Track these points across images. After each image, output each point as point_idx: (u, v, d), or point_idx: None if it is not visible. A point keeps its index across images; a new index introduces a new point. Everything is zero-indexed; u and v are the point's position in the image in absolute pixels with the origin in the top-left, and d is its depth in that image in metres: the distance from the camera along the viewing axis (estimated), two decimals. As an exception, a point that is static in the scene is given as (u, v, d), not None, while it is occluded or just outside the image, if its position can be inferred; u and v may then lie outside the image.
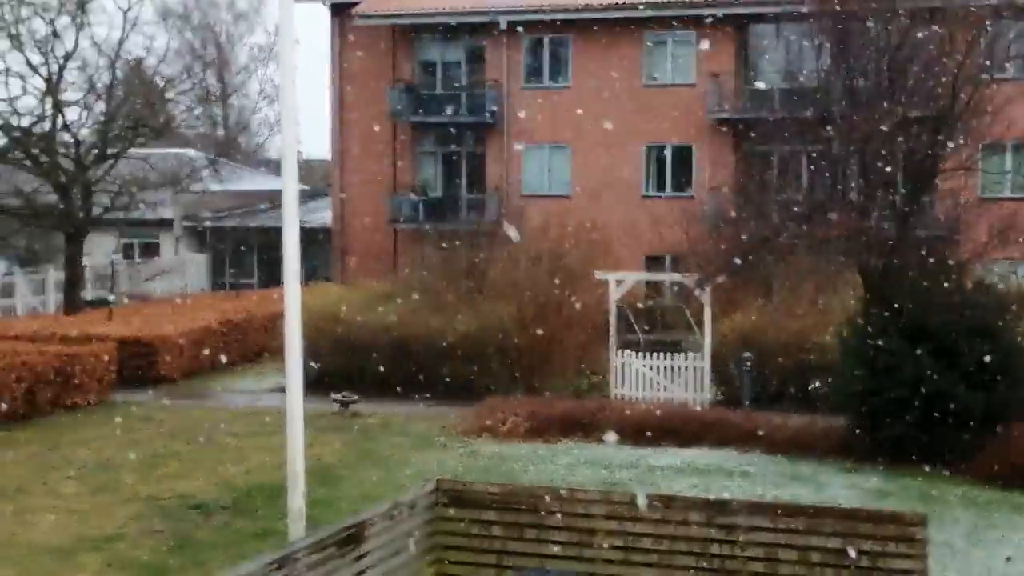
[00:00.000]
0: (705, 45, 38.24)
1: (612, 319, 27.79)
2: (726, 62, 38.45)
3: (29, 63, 38.04)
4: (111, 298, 38.74)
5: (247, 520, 18.32)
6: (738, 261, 23.53)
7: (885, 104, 22.03)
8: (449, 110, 41.23)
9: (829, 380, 23.70)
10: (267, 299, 38.22)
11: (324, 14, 43.43)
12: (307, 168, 66.58)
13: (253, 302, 38.14)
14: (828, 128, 22.92)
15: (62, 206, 38.20)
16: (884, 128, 21.67)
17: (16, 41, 37.39)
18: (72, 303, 38.88)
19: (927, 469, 20.91)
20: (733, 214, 26.66)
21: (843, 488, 20.25)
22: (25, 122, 36.90)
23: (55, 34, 38.50)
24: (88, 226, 39.67)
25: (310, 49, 42.17)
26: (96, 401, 28.01)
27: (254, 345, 34.39)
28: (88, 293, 42.42)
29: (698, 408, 26.20)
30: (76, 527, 18.16)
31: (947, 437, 21.11)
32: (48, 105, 38.00)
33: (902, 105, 22.20)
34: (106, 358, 28.58)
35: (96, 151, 39.42)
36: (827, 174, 23.37)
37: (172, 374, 30.90)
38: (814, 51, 24.09)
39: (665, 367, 27.36)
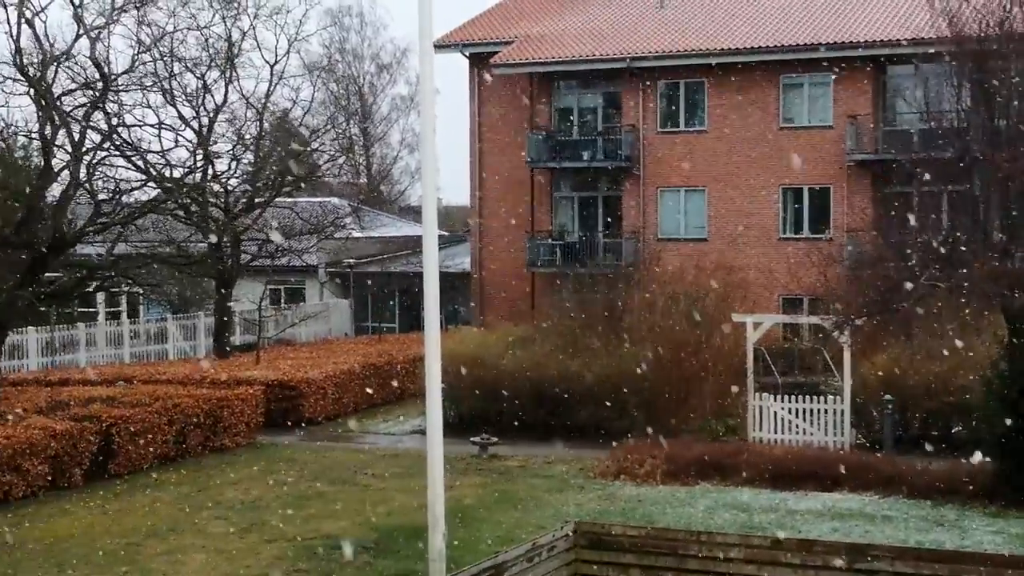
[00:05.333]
0: (842, 87, 37.90)
1: (749, 361, 27.48)
2: (864, 103, 37.94)
3: (181, 116, 39.21)
4: (267, 338, 39.50)
5: (389, 560, 18.46)
6: (878, 303, 23.09)
7: (1027, 143, 21.51)
8: (586, 155, 41.38)
9: (973, 423, 23.09)
10: (408, 343, 38.68)
11: (463, 64, 44.00)
12: (447, 214, 67.31)
13: (394, 346, 38.59)
14: (969, 169, 22.44)
15: (212, 254, 39.13)
16: (1026, 167, 21.14)
17: (169, 95, 38.56)
18: (222, 347, 39.74)
19: (1076, 515, 20.25)
20: (872, 256, 26.19)
21: (988, 533, 19.69)
22: (177, 173, 37.99)
23: (206, 88, 39.66)
24: (237, 273, 40.58)
25: (450, 98, 42.77)
26: (244, 443, 28.53)
27: (395, 388, 34.76)
28: (236, 338, 43.34)
29: (838, 452, 25.73)
30: (225, 566, 18.48)
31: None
32: (199, 157, 39.03)
33: (1044, 143, 21.64)
34: (254, 401, 29.11)
35: (244, 201, 40.36)
36: (968, 215, 22.86)
37: (316, 416, 31.35)
38: (953, 91, 23.62)
39: (804, 410, 26.95)
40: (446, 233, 57.71)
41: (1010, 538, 19.31)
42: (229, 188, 40.52)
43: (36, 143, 30.53)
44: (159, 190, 36.94)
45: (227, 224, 39.39)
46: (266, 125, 42.68)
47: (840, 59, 37.77)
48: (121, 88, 33.65)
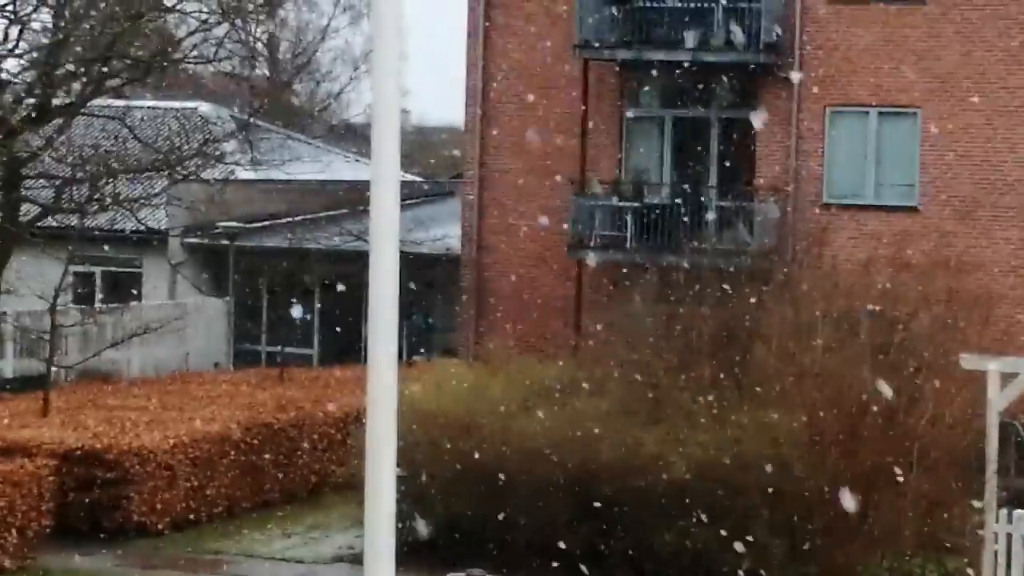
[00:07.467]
0: None
1: (991, 446, 27.40)
2: None
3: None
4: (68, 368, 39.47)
5: None
6: None
7: None
8: (690, 37, 41.32)
9: None
10: (335, 384, 38.62)
11: None
12: (422, 142, 67.34)
13: (309, 389, 38.58)
14: None
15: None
16: None
17: None
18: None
19: None
20: None
21: None
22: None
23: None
24: (11, 240, 40.48)
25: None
26: (13, 567, 28.45)
27: (307, 471, 34.78)
28: (8, 362, 43.29)
29: None
30: None
31: None
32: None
33: None
34: (35, 488, 29.03)
35: (33, 103, 40.32)
36: None
37: (155, 520, 31.30)
38: None
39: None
40: (417, 178, 57.79)
41: None
42: (2, 78, 40.60)
43: None
44: None
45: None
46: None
47: None
48: None
